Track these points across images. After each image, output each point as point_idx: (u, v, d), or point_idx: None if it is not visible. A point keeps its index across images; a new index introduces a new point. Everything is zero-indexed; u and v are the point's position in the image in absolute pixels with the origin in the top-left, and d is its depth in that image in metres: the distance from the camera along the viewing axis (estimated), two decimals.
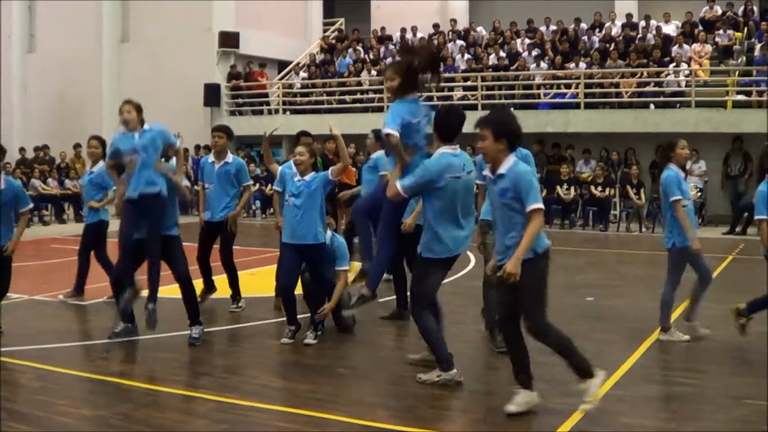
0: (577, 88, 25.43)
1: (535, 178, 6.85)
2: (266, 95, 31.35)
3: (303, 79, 31.46)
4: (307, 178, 9.51)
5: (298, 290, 9.74)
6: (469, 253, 16.67)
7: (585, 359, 6.88)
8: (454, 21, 32.26)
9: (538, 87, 26.58)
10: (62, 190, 26.02)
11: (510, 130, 6.84)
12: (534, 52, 27.94)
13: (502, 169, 6.80)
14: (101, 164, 11.93)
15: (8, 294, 10.39)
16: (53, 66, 33.83)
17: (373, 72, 29.71)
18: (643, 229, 22.22)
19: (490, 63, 28.11)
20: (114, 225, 10.91)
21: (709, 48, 25.45)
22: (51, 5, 34.48)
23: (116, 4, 33.15)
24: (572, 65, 26.44)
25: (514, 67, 27.41)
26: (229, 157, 11.37)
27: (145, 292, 9.51)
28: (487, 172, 7.02)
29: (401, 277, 10.85)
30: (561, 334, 6.90)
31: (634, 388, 7.68)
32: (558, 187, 23.35)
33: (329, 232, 9.94)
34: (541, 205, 6.70)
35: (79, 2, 33.29)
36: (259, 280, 13.17)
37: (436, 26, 32.10)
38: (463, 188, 7.70)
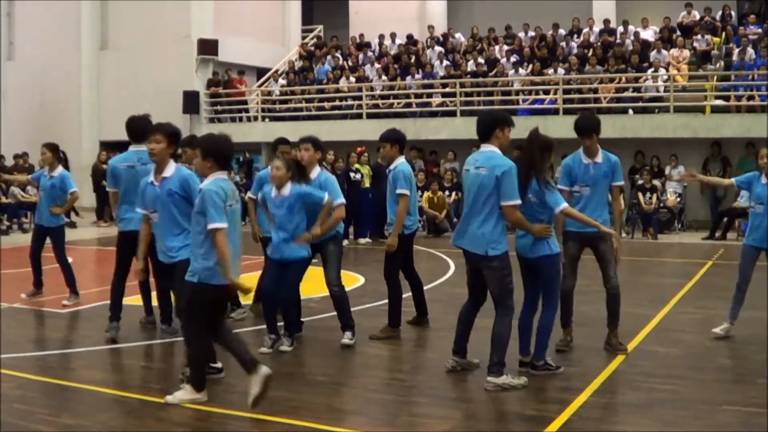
0: (555, 94, 25.48)
1: (217, 198, 7.14)
2: (245, 102, 31.28)
3: (282, 86, 31.38)
4: (285, 193, 9.32)
5: None
6: (448, 259, 16.74)
7: (204, 376, 7.54)
8: (431, 27, 32.27)
9: (517, 93, 26.57)
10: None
11: (214, 149, 7.37)
12: (512, 59, 27.98)
13: (203, 185, 7.36)
14: (60, 169, 12.52)
15: None
16: (32, 74, 33.66)
17: (352, 79, 29.70)
18: (623, 235, 22.25)
19: (469, 69, 28.13)
20: None
21: (687, 53, 25.58)
22: (30, 13, 34.33)
23: (95, 12, 33.05)
24: (551, 71, 26.52)
25: (493, 73, 27.40)
26: None
27: None
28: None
29: (417, 286, 10.81)
30: (201, 347, 7.52)
31: (614, 395, 7.69)
32: None
33: (318, 169, 9.92)
34: (218, 225, 7.10)
35: (58, 10, 33.16)
36: None
37: (410, 37, 32.24)
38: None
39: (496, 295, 7.91)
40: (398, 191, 9.95)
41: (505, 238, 7.85)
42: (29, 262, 12.74)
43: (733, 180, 10.45)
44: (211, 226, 7.05)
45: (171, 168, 8.29)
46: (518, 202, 7.74)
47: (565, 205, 8.09)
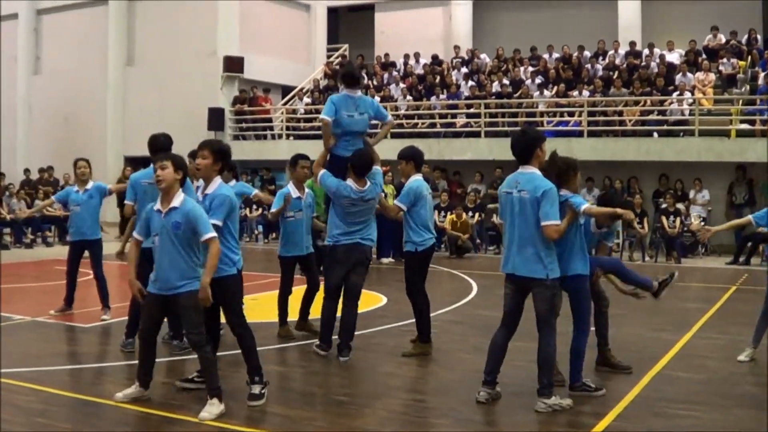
0: (580, 116, 25.45)
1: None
2: (270, 120, 31.43)
3: (307, 104, 31.50)
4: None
5: None
6: (470, 280, 16.70)
7: (219, 386, 7.70)
8: (457, 48, 32.33)
9: (542, 115, 26.64)
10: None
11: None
12: (537, 80, 28.00)
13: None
14: (92, 183, 12.60)
15: (10, 315, 10.43)
16: (58, 88, 33.98)
17: (377, 98, 29.70)
18: (646, 258, 22.17)
19: (494, 90, 28.15)
20: None
21: (712, 76, 25.51)
22: (56, 28, 34.66)
23: (122, 28, 33.29)
24: (576, 93, 26.51)
25: (518, 94, 27.44)
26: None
27: None
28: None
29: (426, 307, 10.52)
30: (212, 357, 7.89)
31: (637, 421, 7.63)
32: None
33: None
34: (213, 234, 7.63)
35: (85, 25, 33.48)
36: (261, 306, 13.11)
37: (435, 57, 32.38)
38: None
39: (544, 314, 7.84)
40: (395, 201, 10.19)
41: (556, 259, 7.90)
42: (66, 278, 12.75)
43: (750, 217, 10.27)
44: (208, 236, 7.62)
45: (215, 185, 8.09)
46: (557, 222, 7.70)
47: (586, 204, 8.11)
